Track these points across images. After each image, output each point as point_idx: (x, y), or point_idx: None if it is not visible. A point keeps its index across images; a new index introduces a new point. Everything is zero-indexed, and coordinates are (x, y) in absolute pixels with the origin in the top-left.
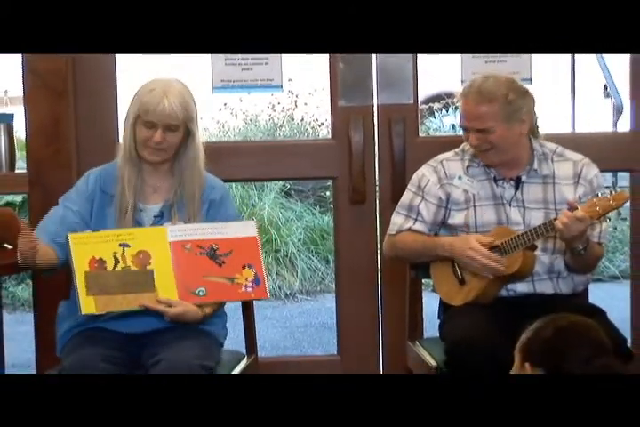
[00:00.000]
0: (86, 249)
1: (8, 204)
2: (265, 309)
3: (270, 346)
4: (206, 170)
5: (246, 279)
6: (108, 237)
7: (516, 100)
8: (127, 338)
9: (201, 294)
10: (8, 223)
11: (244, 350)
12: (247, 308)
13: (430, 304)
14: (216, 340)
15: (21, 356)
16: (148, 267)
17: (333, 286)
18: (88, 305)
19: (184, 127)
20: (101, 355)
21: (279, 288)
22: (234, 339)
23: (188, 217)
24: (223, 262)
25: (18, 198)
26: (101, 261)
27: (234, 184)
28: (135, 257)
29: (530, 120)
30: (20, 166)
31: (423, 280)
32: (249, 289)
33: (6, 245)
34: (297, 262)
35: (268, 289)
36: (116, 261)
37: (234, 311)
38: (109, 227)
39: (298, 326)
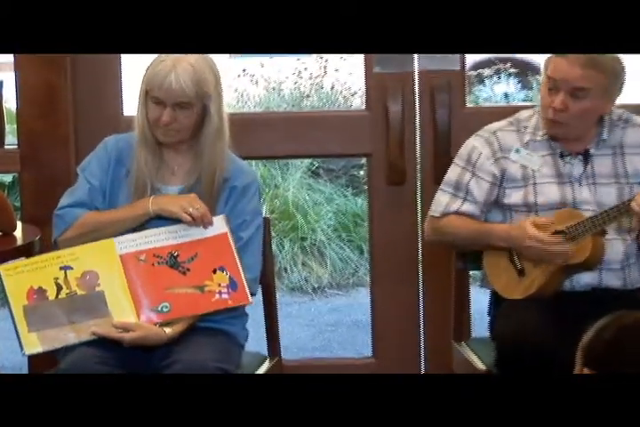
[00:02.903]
0: (21, 280)
1: None
2: (290, 305)
3: (296, 347)
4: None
5: (219, 285)
6: (46, 261)
7: (620, 78)
8: None
9: (165, 310)
10: None
11: (266, 352)
12: (269, 305)
13: (478, 300)
14: (236, 341)
15: (12, 357)
16: (97, 289)
17: (368, 278)
18: (31, 343)
19: (199, 105)
20: (97, 356)
21: (306, 281)
22: (255, 340)
23: (208, 203)
24: (188, 270)
25: (7, 178)
26: (41, 291)
27: (253, 162)
28: (80, 280)
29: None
30: (11, 142)
31: (471, 273)
32: (224, 296)
33: None
34: (326, 252)
35: (248, 292)
36: (59, 288)
37: (254, 309)
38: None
39: (327, 325)
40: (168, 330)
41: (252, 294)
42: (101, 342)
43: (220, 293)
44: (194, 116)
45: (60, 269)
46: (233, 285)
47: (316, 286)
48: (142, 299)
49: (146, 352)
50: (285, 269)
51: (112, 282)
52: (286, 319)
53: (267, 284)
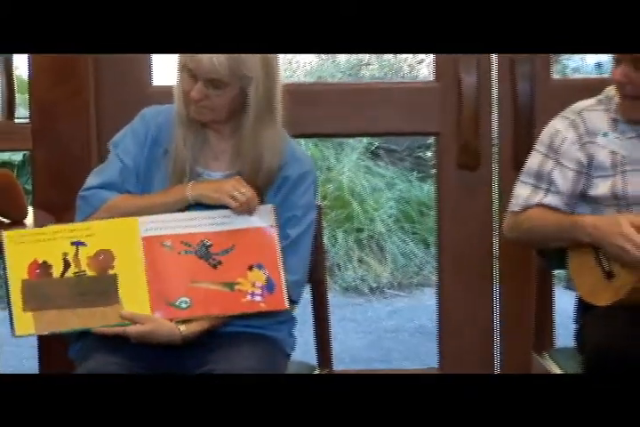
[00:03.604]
0: (25, 250)
1: (4, 164)
2: (344, 308)
3: (350, 357)
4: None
5: (253, 285)
6: (57, 233)
7: None
8: None
9: (184, 305)
10: (4, 190)
11: (315, 362)
12: (320, 307)
13: (563, 304)
14: (281, 349)
15: (20, 365)
16: (109, 271)
17: (434, 277)
18: (23, 324)
19: (236, 85)
20: (120, 364)
21: (362, 280)
22: (303, 347)
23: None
24: (219, 263)
25: (17, 157)
26: (45, 266)
27: (303, 141)
28: (93, 259)
29: None
30: (21, 114)
31: (556, 272)
32: (257, 297)
33: (2, 219)
34: (386, 246)
35: (285, 297)
36: (67, 265)
37: (302, 312)
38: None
39: (387, 331)
40: (183, 328)
41: (293, 301)
42: (125, 348)
43: (252, 293)
44: (227, 97)
45: (72, 244)
46: (269, 286)
47: (373, 285)
48: (160, 290)
49: (177, 359)
50: (339, 266)
51: (128, 266)
52: (339, 324)
53: (317, 282)
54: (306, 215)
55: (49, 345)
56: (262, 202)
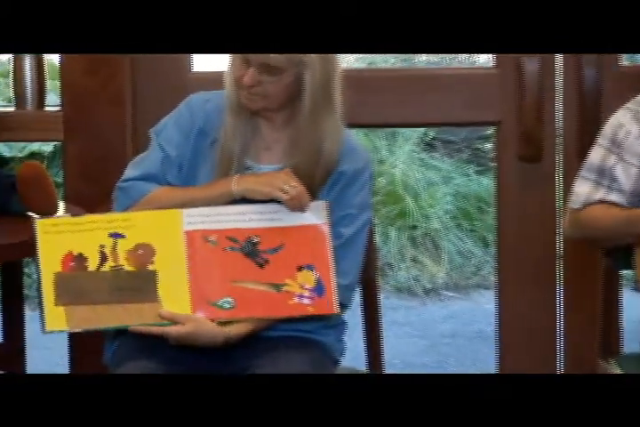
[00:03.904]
0: (60, 241)
1: (33, 155)
2: (396, 310)
3: (403, 363)
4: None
5: (301, 286)
6: (94, 223)
7: None
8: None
9: (227, 306)
10: (34, 183)
11: (364, 369)
12: (370, 309)
13: (631, 307)
14: (329, 354)
15: (51, 370)
16: (149, 267)
17: (493, 278)
18: (55, 319)
19: (292, 71)
20: (152, 369)
21: (416, 281)
22: (352, 352)
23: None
24: (266, 262)
25: (47, 147)
26: (81, 259)
27: (352, 131)
28: (131, 253)
29: None
30: (52, 102)
31: (624, 273)
32: (305, 300)
33: (31, 213)
34: (442, 244)
35: (335, 301)
36: (103, 259)
37: (351, 314)
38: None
39: (442, 336)
40: (226, 330)
41: (344, 306)
42: (162, 351)
43: (300, 296)
44: (282, 84)
45: (110, 236)
46: (319, 288)
47: (428, 286)
48: (202, 288)
49: (218, 363)
50: (391, 266)
51: (169, 262)
52: (391, 328)
53: (368, 283)
54: (361, 214)
55: (81, 349)
56: (315, 199)
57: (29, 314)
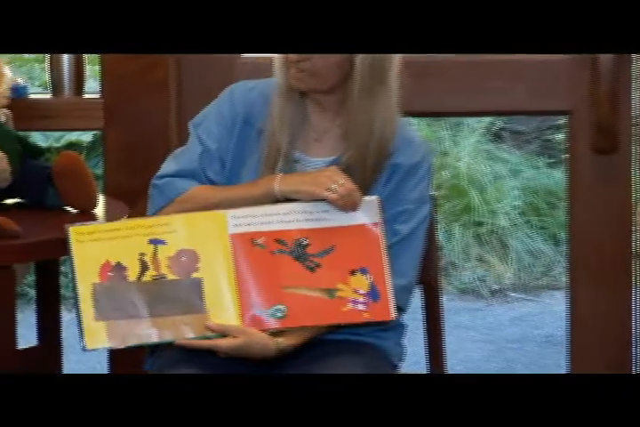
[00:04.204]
0: (96, 249)
1: (71, 145)
2: (459, 313)
3: (466, 369)
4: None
5: (355, 291)
6: (132, 229)
7: None
8: None
9: (278, 314)
10: (71, 175)
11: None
12: (432, 312)
13: None
14: (387, 359)
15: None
16: (193, 274)
17: (565, 279)
18: (95, 336)
19: None
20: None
21: (481, 282)
22: (412, 358)
23: (359, 185)
24: (317, 266)
25: (87, 137)
26: (120, 268)
27: (415, 121)
28: (173, 260)
29: None
30: (92, 88)
31: None
32: (360, 306)
33: (68, 208)
34: (510, 243)
35: (392, 306)
36: (144, 268)
37: (412, 317)
38: (244, 182)
39: (509, 340)
40: (279, 340)
41: (401, 309)
42: (209, 363)
43: (354, 301)
44: (331, 60)
45: (150, 242)
46: (374, 293)
47: (494, 287)
48: (251, 296)
49: (267, 371)
50: (454, 265)
51: (215, 268)
52: (454, 332)
53: (429, 284)
54: (419, 210)
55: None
56: (368, 194)
57: (66, 315)
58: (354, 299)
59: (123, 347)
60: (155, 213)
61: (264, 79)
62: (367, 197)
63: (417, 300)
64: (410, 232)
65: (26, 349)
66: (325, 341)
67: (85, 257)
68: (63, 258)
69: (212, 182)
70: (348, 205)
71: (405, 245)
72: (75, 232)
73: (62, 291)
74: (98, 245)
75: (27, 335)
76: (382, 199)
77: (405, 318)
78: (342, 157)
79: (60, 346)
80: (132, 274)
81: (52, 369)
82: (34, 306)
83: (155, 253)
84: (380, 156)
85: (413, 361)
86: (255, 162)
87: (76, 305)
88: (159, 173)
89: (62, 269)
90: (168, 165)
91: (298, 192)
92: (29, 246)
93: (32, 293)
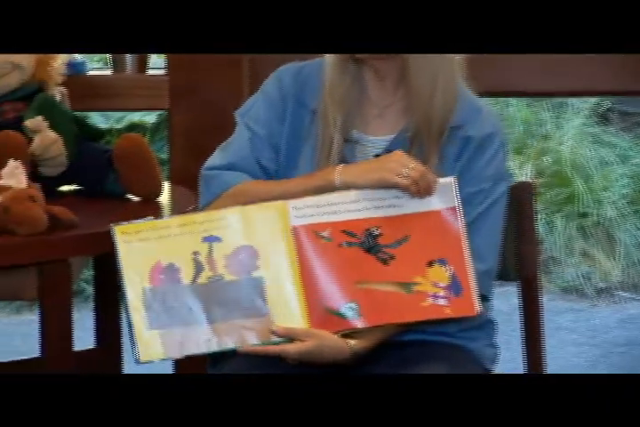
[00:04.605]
0: (145, 250)
1: (134, 126)
2: (561, 314)
3: None
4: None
5: (434, 284)
6: (184, 227)
7: None
8: None
9: (350, 313)
10: (134, 159)
11: None
12: (530, 311)
13: None
14: (477, 362)
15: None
16: (253, 274)
17: None
18: (149, 346)
19: None
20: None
21: (586, 279)
22: (508, 363)
23: (427, 166)
24: (391, 258)
25: (150, 118)
26: (172, 270)
27: (514, 102)
28: (231, 258)
29: None
30: (156, 65)
31: None
32: (441, 301)
33: (130, 196)
34: (618, 236)
35: (475, 300)
36: (199, 268)
37: (508, 318)
38: (302, 168)
39: (616, 344)
40: (353, 342)
41: (484, 298)
42: (276, 371)
43: (434, 296)
44: None
45: (204, 240)
46: (455, 286)
47: (600, 286)
48: (319, 295)
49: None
50: (556, 260)
51: (277, 266)
52: (555, 334)
53: (528, 281)
54: (495, 188)
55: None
56: (438, 173)
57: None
58: (433, 293)
59: (179, 357)
60: (205, 206)
61: (312, 60)
62: (442, 180)
63: (514, 299)
64: (487, 212)
65: (82, 351)
66: (405, 343)
67: (134, 259)
68: None
69: (265, 171)
70: (423, 190)
71: (483, 226)
72: (120, 232)
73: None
74: (147, 246)
75: (84, 337)
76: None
77: (501, 319)
78: (406, 134)
79: (120, 349)
80: (186, 276)
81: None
82: (91, 304)
83: (210, 252)
84: (445, 127)
85: (510, 367)
86: (312, 146)
87: (126, 313)
88: (208, 163)
89: None
90: (217, 157)
91: (364, 181)
92: (87, 238)
93: (90, 290)
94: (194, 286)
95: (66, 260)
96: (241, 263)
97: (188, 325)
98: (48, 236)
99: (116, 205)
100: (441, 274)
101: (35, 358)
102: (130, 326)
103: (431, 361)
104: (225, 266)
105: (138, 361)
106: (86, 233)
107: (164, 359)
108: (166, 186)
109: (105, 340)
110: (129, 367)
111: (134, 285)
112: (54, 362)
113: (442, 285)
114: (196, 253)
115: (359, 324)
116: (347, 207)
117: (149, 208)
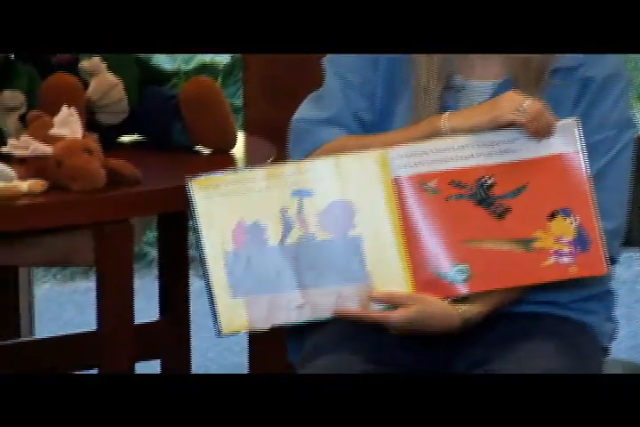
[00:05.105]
0: (226, 207)
1: (204, 68)
2: None
3: None
4: None
5: (557, 240)
6: (270, 179)
7: None
8: None
9: (460, 276)
10: (204, 106)
11: None
12: None
13: None
14: (593, 339)
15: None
16: (350, 232)
17: None
18: (231, 317)
19: None
20: (369, 363)
21: None
22: (629, 340)
23: None
24: (507, 211)
25: (223, 59)
26: (257, 230)
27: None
28: (324, 215)
29: None
30: None
31: None
32: (565, 259)
33: (200, 147)
34: None
35: (604, 256)
36: (288, 227)
37: (631, 287)
38: (400, 120)
39: None
40: (464, 308)
41: (612, 260)
42: (370, 345)
43: (558, 253)
44: None
45: (293, 194)
46: (581, 240)
47: None
48: (425, 256)
49: (441, 357)
50: None
51: (377, 223)
52: None
53: None
54: (621, 135)
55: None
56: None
57: (196, 282)
58: (557, 250)
59: (267, 329)
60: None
61: None
62: (564, 120)
63: (637, 267)
64: (612, 163)
65: (145, 324)
66: (512, 313)
67: (213, 217)
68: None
69: (361, 121)
70: (542, 130)
71: (608, 178)
72: (198, 186)
73: (191, 251)
74: (228, 202)
75: (146, 308)
76: None
77: (622, 289)
78: (514, 76)
79: (188, 321)
80: (274, 236)
81: (177, 350)
82: (155, 270)
83: (300, 208)
84: (546, 69)
85: (630, 345)
86: (410, 94)
87: (205, 279)
88: (299, 113)
89: (190, 223)
90: (307, 108)
91: (475, 122)
92: (151, 195)
93: (153, 253)
94: (282, 248)
95: (127, 220)
96: (336, 221)
97: (276, 291)
98: (106, 192)
99: (183, 158)
100: (565, 227)
101: (90, 331)
102: (209, 294)
103: (540, 339)
104: (317, 224)
105: (220, 334)
106: (150, 189)
107: (248, 331)
108: (240, 136)
109: (171, 311)
110: (197, 342)
111: (214, 247)
112: (112, 336)
113: (566, 239)
114: (283, 209)
115: (471, 288)
116: (455, 154)
117: (221, 162)
